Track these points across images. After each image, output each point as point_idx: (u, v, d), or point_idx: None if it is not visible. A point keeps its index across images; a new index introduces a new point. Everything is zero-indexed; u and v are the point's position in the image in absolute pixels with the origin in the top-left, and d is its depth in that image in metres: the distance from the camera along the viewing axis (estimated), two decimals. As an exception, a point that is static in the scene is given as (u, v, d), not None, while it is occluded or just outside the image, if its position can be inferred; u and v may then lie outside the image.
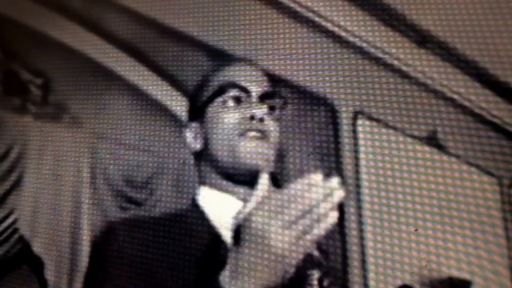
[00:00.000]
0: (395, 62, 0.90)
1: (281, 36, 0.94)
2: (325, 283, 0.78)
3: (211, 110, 0.88)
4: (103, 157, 1.04)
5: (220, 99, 0.87)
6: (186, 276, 0.81)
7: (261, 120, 0.84)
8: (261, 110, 0.85)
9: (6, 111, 1.13)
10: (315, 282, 0.77)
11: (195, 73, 1.01)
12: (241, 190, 0.84)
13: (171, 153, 0.97)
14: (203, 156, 0.89)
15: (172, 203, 0.95)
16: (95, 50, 1.10)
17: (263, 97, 0.87)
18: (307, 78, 0.90)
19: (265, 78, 0.90)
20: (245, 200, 0.83)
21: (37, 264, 1.04)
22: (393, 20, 0.90)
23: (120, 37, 1.10)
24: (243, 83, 0.87)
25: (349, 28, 0.93)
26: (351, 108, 0.90)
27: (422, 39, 0.88)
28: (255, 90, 0.87)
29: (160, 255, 0.84)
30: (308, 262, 0.80)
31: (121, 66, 1.08)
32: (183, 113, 1.00)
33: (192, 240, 0.83)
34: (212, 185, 0.87)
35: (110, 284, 0.84)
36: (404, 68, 0.89)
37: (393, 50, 0.91)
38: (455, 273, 0.78)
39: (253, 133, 0.84)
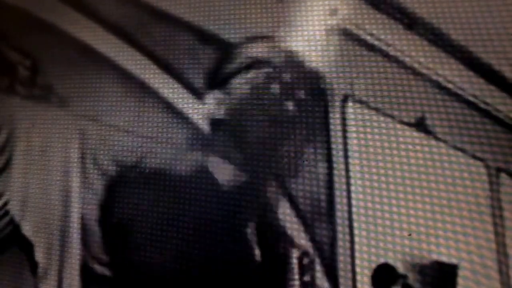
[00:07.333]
0: (387, 47, 0.90)
1: (269, 17, 0.93)
2: (305, 261, 0.78)
3: (239, 83, 0.88)
4: (92, 139, 1.03)
5: (250, 74, 0.87)
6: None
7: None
8: (296, 94, 0.86)
9: (-6, 92, 1.12)
10: (295, 261, 0.77)
11: (185, 56, 1.00)
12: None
13: (161, 136, 0.97)
14: (221, 125, 0.89)
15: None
16: (85, 31, 1.09)
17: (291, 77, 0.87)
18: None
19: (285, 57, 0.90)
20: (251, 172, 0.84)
21: (27, 246, 1.04)
22: (383, 4, 0.90)
23: (110, 19, 1.09)
24: (273, 61, 0.87)
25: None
26: (341, 91, 0.90)
27: (412, 22, 0.88)
28: (284, 69, 0.88)
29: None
30: (287, 239, 0.80)
31: (111, 48, 1.07)
32: (171, 93, 1.00)
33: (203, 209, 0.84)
34: (225, 157, 0.88)
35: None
36: (394, 53, 0.89)
37: (386, 36, 0.90)
38: (442, 258, 0.78)
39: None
